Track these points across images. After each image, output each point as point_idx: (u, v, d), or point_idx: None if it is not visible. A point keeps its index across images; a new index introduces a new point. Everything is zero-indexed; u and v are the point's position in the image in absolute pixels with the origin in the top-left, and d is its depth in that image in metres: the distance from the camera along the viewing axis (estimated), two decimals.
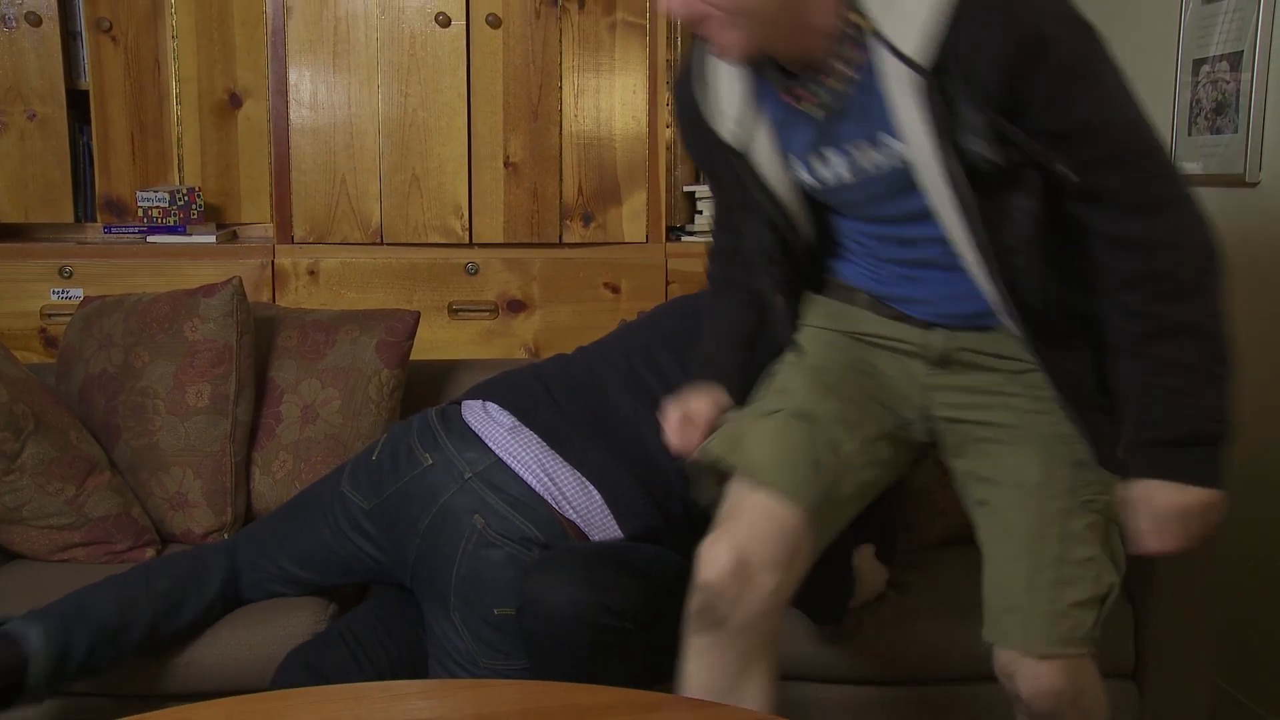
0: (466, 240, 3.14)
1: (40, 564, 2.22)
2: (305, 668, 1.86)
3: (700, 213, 3.28)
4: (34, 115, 3.19)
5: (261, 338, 2.45)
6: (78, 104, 3.23)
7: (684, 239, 3.27)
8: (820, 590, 2.00)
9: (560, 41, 3.11)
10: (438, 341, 3.10)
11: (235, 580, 2.04)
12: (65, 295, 3.06)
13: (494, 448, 1.86)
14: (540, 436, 1.88)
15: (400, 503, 1.88)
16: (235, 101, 3.26)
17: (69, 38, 3.21)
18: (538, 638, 1.67)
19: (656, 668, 1.80)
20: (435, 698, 1.46)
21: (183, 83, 3.23)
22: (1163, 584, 2.02)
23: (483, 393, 1.99)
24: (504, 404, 1.94)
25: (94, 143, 3.22)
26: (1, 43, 3.16)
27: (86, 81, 3.21)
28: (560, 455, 1.87)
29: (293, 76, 3.07)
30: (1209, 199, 2.53)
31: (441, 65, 3.09)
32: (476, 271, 3.14)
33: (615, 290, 3.16)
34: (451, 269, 3.13)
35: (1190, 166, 2.58)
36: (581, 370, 2.01)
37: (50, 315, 3.05)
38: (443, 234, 3.13)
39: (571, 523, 1.83)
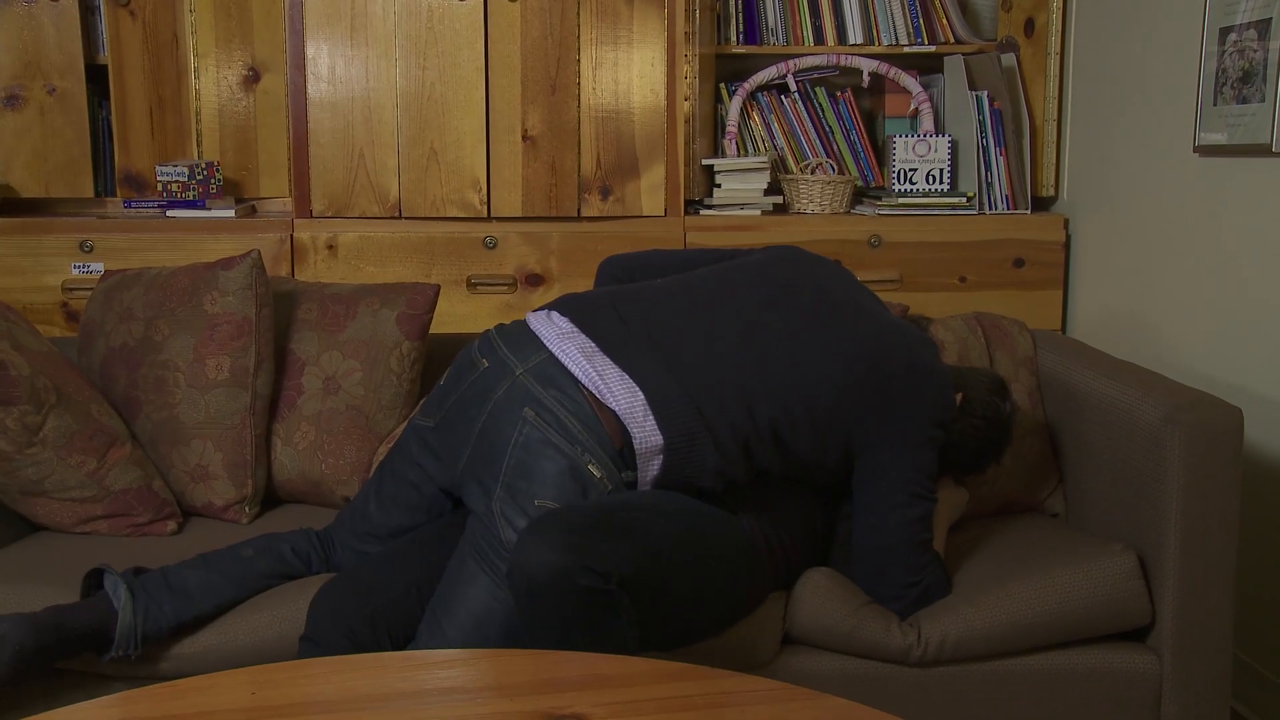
0: (485, 214, 3.13)
1: (63, 536, 2.23)
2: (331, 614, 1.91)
3: (719, 186, 3.27)
4: (54, 90, 3.19)
5: (281, 311, 2.45)
6: (97, 78, 3.23)
7: (702, 212, 3.26)
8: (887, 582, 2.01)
9: (578, 14, 3.08)
10: (456, 315, 3.10)
11: (327, 553, 2.11)
12: (86, 270, 3.06)
13: (547, 343, 1.92)
14: (594, 341, 1.93)
15: (459, 409, 1.95)
16: (253, 76, 3.25)
17: (87, 12, 3.20)
18: (523, 600, 1.68)
19: (665, 631, 1.80)
20: (456, 667, 1.46)
21: (201, 57, 3.22)
22: (1179, 554, 2.01)
23: (551, 306, 2.04)
24: (566, 313, 1.99)
25: (113, 117, 3.22)
26: (21, 17, 3.15)
27: (105, 56, 3.20)
28: (610, 358, 1.90)
29: (310, 50, 3.06)
30: (1234, 168, 2.52)
31: (459, 39, 3.07)
32: (495, 245, 3.13)
33: None
34: (470, 243, 3.12)
35: (1215, 137, 2.55)
36: (663, 308, 2.02)
37: (71, 289, 3.06)
38: (461, 208, 3.12)
39: (612, 413, 1.86)
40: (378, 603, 1.90)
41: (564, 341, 1.93)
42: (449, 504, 2.06)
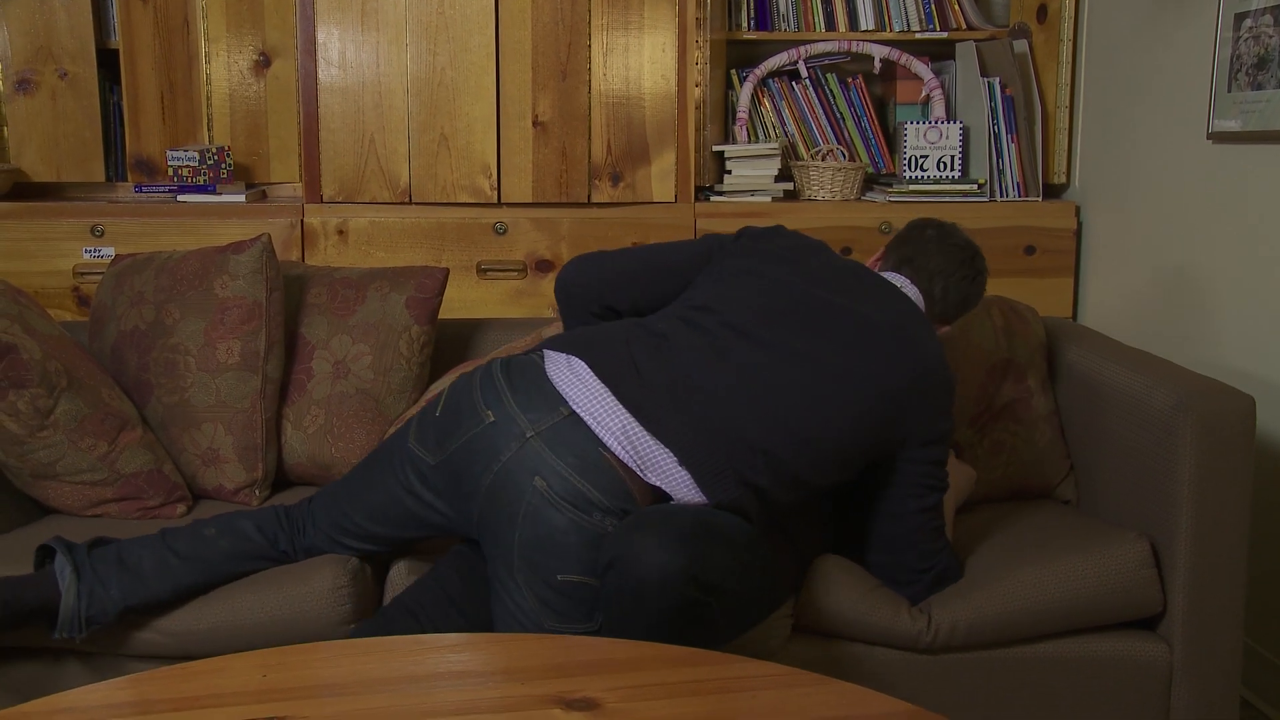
0: (495, 200, 3.13)
1: (75, 519, 2.24)
2: None
3: (729, 172, 3.26)
4: (65, 74, 3.18)
5: (291, 295, 2.45)
6: (108, 63, 3.23)
7: (713, 199, 3.25)
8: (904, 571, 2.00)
9: (589, 0, 3.07)
10: (466, 301, 3.10)
11: (293, 533, 2.05)
12: (97, 254, 3.06)
13: (571, 403, 1.79)
14: (623, 404, 1.80)
15: (463, 459, 1.83)
16: (264, 61, 3.24)
17: None
18: (620, 597, 1.64)
19: (729, 635, 1.79)
20: (465, 651, 1.46)
21: (211, 41, 3.22)
22: (1190, 543, 2.00)
23: (566, 346, 1.90)
24: (589, 362, 1.85)
25: (124, 102, 3.22)
26: (33, 2, 3.15)
27: (116, 41, 3.20)
28: (640, 423, 1.78)
29: (321, 36, 3.06)
30: (1248, 155, 2.50)
31: (470, 24, 3.06)
32: (505, 231, 3.12)
33: None
34: (480, 229, 3.12)
35: (1229, 124, 2.53)
36: (689, 353, 1.89)
37: (82, 274, 3.06)
38: (471, 193, 3.12)
39: (652, 487, 1.78)
40: (449, 588, 1.91)
41: (589, 398, 1.79)
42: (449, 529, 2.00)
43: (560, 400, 1.79)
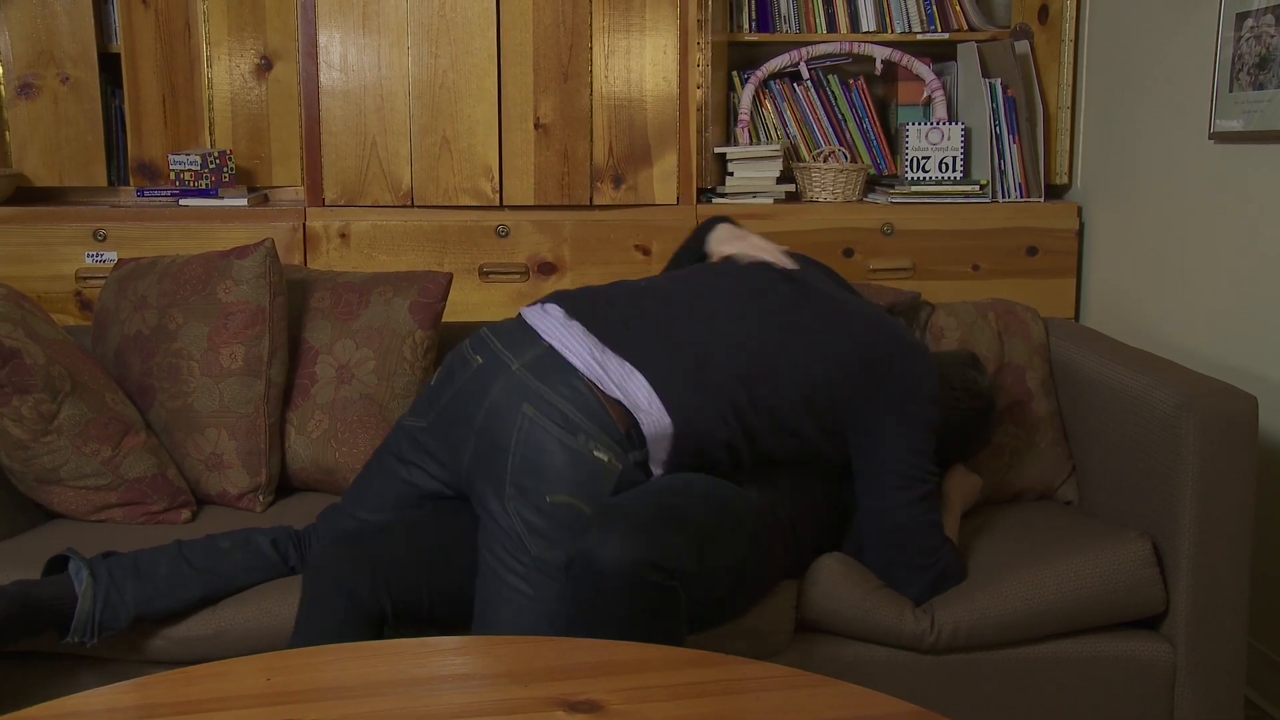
0: (497, 202, 3.13)
1: (79, 524, 2.25)
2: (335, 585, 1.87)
3: (731, 174, 3.26)
4: (67, 78, 3.19)
5: (294, 300, 2.45)
6: (110, 67, 3.24)
7: (715, 200, 3.25)
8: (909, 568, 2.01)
9: (590, 2, 3.08)
10: (469, 303, 3.10)
11: (303, 552, 2.08)
12: (99, 258, 3.07)
13: (544, 335, 1.91)
14: (593, 332, 1.92)
15: (455, 407, 1.93)
16: (266, 64, 3.25)
17: (100, 1, 3.21)
18: (585, 593, 1.67)
19: (703, 614, 1.81)
20: (470, 654, 1.47)
21: (213, 45, 3.22)
22: (1193, 542, 2.00)
23: (544, 299, 2.03)
24: (561, 304, 1.98)
25: (126, 106, 3.23)
26: (34, 6, 3.16)
27: (118, 45, 3.21)
28: (610, 348, 1.90)
29: (323, 39, 3.06)
30: (1250, 155, 2.50)
31: (471, 26, 3.07)
32: (507, 234, 3.13)
33: (646, 252, 3.15)
34: (482, 231, 3.12)
35: (1231, 124, 2.54)
36: (658, 297, 2.03)
37: (85, 278, 3.07)
38: (473, 196, 3.12)
39: (617, 403, 1.85)
40: (380, 566, 1.86)
41: (562, 332, 1.92)
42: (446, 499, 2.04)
43: (539, 337, 1.91)
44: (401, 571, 1.88)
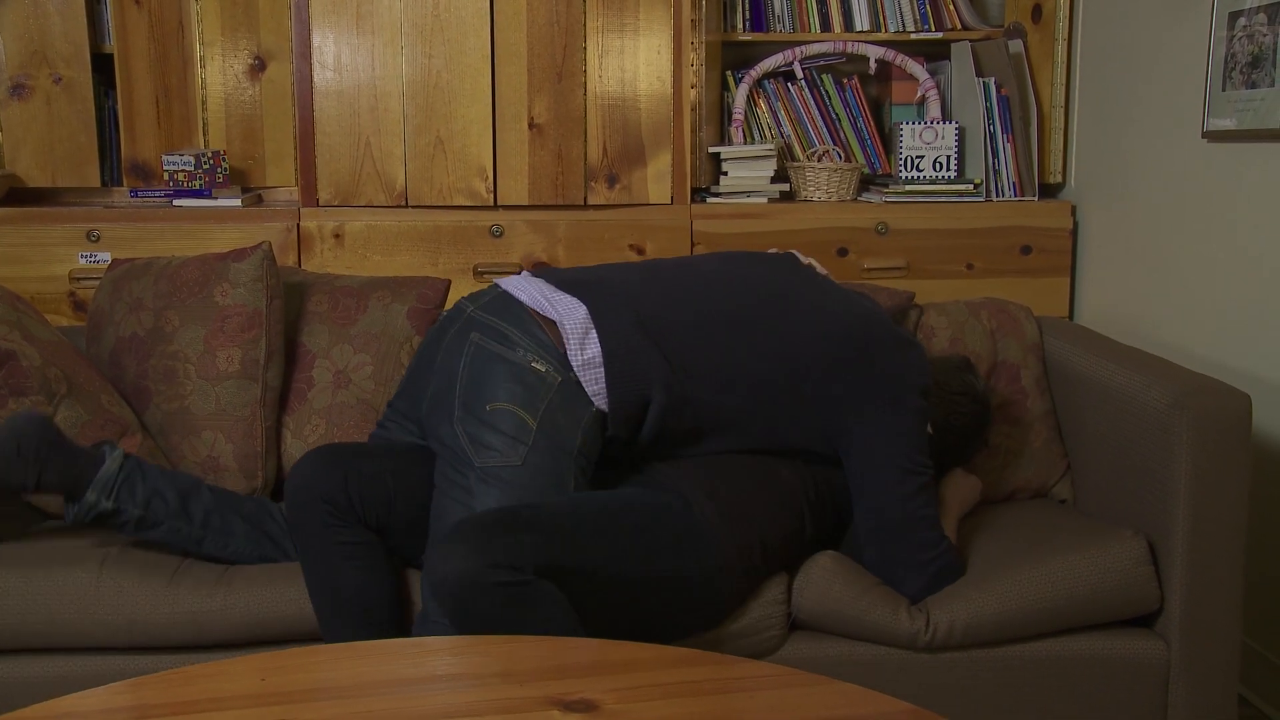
0: (491, 202, 3.13)
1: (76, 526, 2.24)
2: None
3: (725, 174, 3.26)
4: (59, 79, 3.19)
5: (291, 303, 2.45)
6: (103, 68, 3.24)
7: (709, 200, 3.26)
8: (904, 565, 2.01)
9: (584, 1, 3.08)
10: None
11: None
12: (93, 259, 3.07)
13: (501, 284, 2.05)
14: (550, 282, 2.03)
15: (420, 359, 2.08)
16: (259, 64, 3.25)
17: (93, 1, 3.21)
18: (454, 612, 1.71)
19: (615, 620, 1.81)
20: (465, 653, 1.47)
21: (206, 45, 3.22)
22: (1187, 541, 2.01)
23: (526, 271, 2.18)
24: (535, 273, 2.09)
25: (119, 106, 3.23)
26: (27, 6, 3.16)
27: (111, 45, 3.21)
28: (563, 290, 2.01)
29: (316, 39, 3.06)
30: (1243, 154, 2.51)
31: (465, 26, 3.07)
32: (501, 234, 3.13)
33: (640, 252, 3.15)
34: (476, 231, 3.13)
35: (1224, 122, 2.54)
36: (638, 272, 2.12)
37: (79, 279, 3.07)
38: (467, 196, 3.12)
39: (552, 323, 1.96)
40: (353, 477, 1.98)
41: (520, 281, 2.04)
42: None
43: (497, 287, 2.06)
44: (371, 483, 1.99)
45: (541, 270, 2.11)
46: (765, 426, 2.05)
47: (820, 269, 2.26)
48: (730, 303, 2.06)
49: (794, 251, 2.29)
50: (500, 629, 1.67)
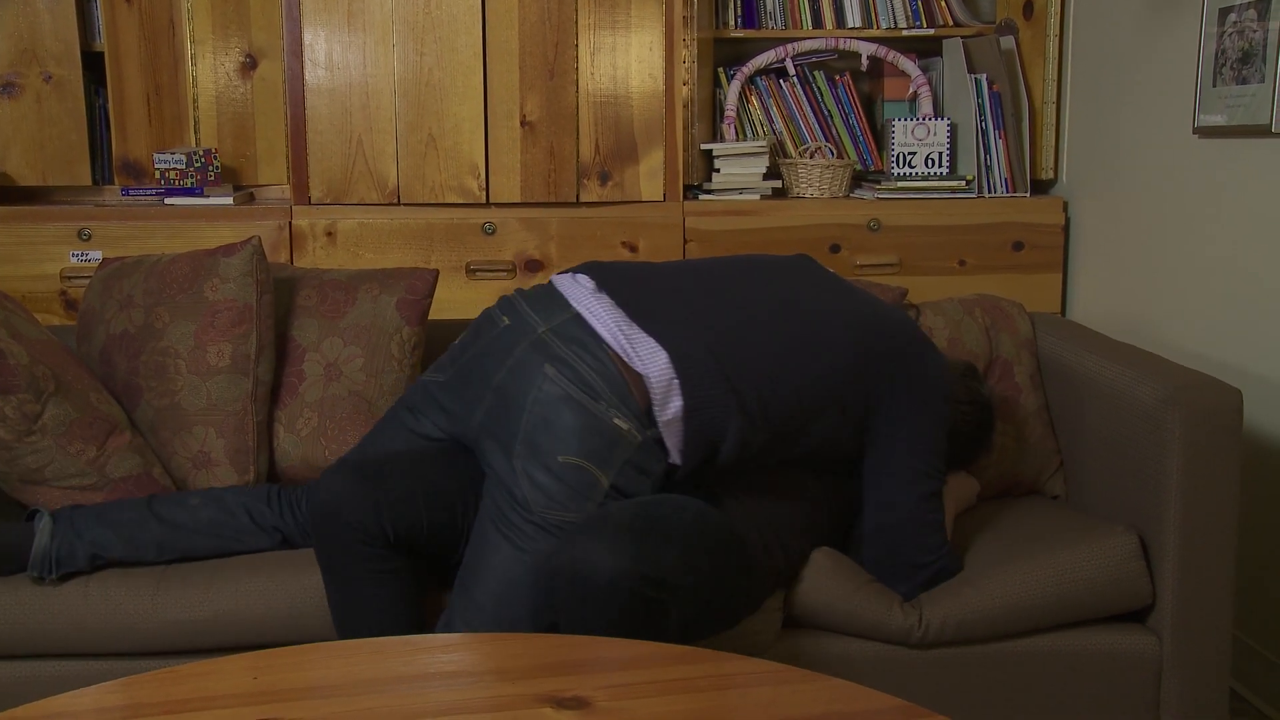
0: (483, 200, 3.13)
1: None
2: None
3: (718, 171, 3.26)
4: (50, 77, 3.18)
5: (280, 298, 2.45)
6: (93, 66, 3.23)
7: (701, 197, 3.25)
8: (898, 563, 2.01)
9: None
10: (456, 301, 3.10)
11: (287, 509, 2.14)
12: (84, 258, 3.06)
13: (574, 303, 1.92)
14: (621, 305, 1.92)
15: (475, 364, 1.95)
16: (251, 62, 3.24)
17: None
18: (569, 601, 1.66)
19: (689, 635, 1.79)
20: (458, 651, 1.46)
21: (197, 43, 3.21)
22: (1179, 536, 2.01)
23: (575, 269, 2.05)
24: (593, 276, 1.99)
25: (110, 105, 3.21)
26: (17, 4, 3.15)
27: (101, 43, 3.19)
28: (638, 323, 1.90)
29: (308, 37, 3.06)
30: (1233, 150, 2.51)
31: (457, 24, 3.07)
32: (494, 231, 3.12)
33: (633, 249, 3.15)
34: (469, 229, 3.12)
35: (1215, 118, 2.55)
36: (689, 277, 2.04)
37: (70, 278, 3.06)
38: (459, 194, 3.12)
39: (639, 379, 1.84)
40: (384, 503, 1.88)
41: (591, 301, 1.92)
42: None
43: (568, 304, 1.93)
44: (402, 505, 1.89)
45: (598, 272, 2.00)
46: (810, 449, 2.02)
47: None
48: (791, 325, 1.97)
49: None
50: (604, 632, 1.63)
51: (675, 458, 1.88)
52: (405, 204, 3.12)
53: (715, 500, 1.95)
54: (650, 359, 1.86)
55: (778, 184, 3.30)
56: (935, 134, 3.28)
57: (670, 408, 1.85)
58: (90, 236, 3.06)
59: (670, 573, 1.67)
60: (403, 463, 1.96)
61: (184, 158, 3.12)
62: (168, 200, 3.15)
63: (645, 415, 1.84)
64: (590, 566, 1.64)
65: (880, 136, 3.44)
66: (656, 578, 1.65)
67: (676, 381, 1.85)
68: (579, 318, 1.90)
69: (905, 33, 3.36)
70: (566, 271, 2.04)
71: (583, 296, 1.93)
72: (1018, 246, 3.21)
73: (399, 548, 1.90)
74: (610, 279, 1.98)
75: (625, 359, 1.85)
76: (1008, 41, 3.30)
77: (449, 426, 2.00)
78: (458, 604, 1.85)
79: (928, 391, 2.00)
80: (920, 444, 1.99)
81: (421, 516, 1.90)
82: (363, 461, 1.95)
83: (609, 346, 1.86)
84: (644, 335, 1.88)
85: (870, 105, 3.51)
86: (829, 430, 1.98)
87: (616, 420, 1.82)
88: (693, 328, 1.91)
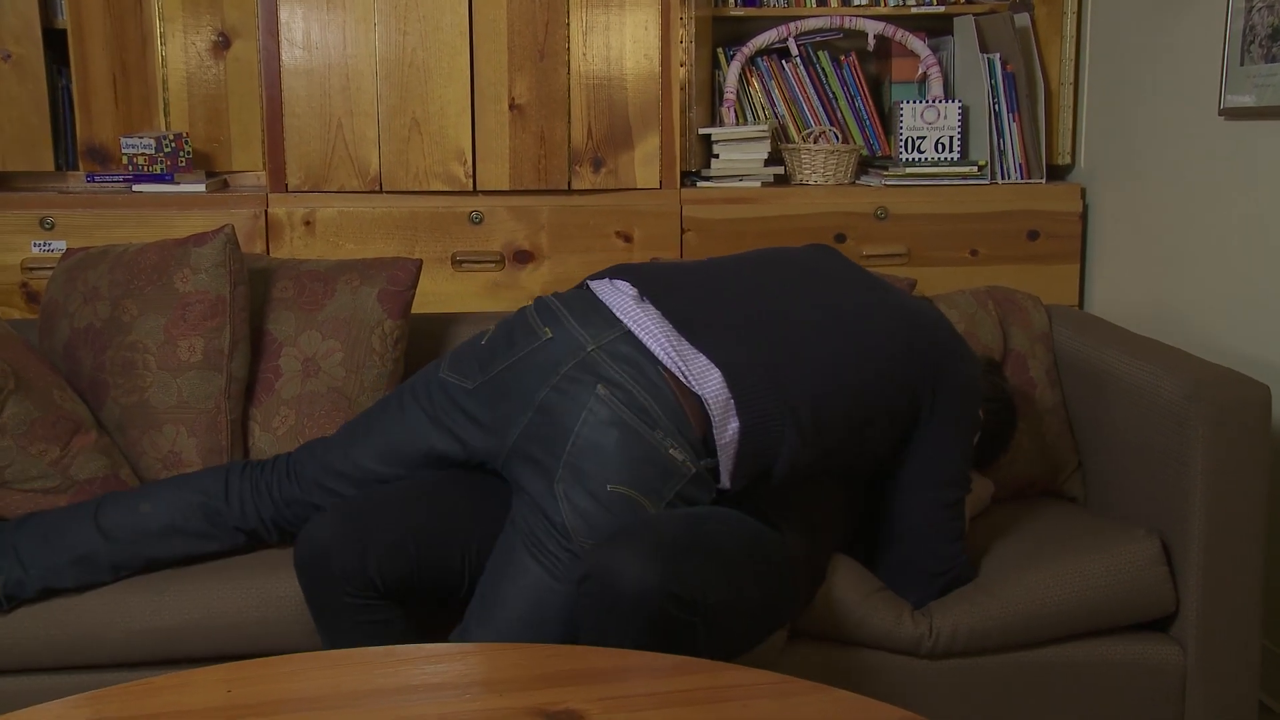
0: (470, 188, 3.12)
1: None
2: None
3: (717, 156, 3.26)
4: (9, 56, 3.16)
5: (255, 290, 2.44)
6: (55, 44, 3.21)
7: (700, 185, 3.25)
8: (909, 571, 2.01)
9: None
10: (441, 294, 3.09)
11: (260, 498, 2.09)
12: (47, 248, 3.05)
13: (621, 316, 1.88)
14: (669, 317, 1.89)
15: (513, 377, 1.89)
16: (224, 42, 3.23)
17: None
18: (597, 612, 1.65)
19: (716, 655, 1.78)
20: (443, 661, 1.46)
21: (167, 21, 3.20)
22: (1204, 540, 2.01)
23: (609, 273, 2.00)
24: (632, 282, 1.95)
25: (74, 86, 3.20)
26: None
27: (64, 20, 3.18)
28: (687, 338, 1.86)
29: (284, 14, 3.04)
30: (1263, 132, 2.51)
31: (442, 2, 3.06)
32: (481, 221, 3.12)
33: (628, 239, 3.14)
34: (455, 218, 3.11)
35: (1242, 99, 2.54)
36: (731, 282, 2.01)
37: (31, 269, 3.05)
38: (445, 181, 3.11)
39: (696, 399, 1.81)
40: (373, 550, 1.84)
41: (638, 313, 1.88)
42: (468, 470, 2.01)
43: (615, 318, 1.88)
44: (393, 552, 1.85)
45: (634, 276, 1.96)
46: (854, 461, 2.00)
47: None
48: (837, 331, 1.94)
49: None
50: (629, 645, 1.61)
51: (725, 482, 1.87)
52: (388, 192, 3.11)
53: (762, 513, 1.93)
54: (704, 378, 1.83)
55: (780, 170, 3.30)
56: (946, 117, 3.27)
57: (729, 430, 1.82)
58: (53, 225, 3.05)
59: (704, 594, 1.65)
60: (394, 507, 1.91)
61: (153, 142, 3.11)
62: (136, 187, 3.14)
63: (701, 444, 1.82)
64: (618, 577, 1.62)
65: (888, 120, 3.44)
66: (687, 598, 1.63)
67: (733, 401, 1.82)
68: (629, 334, 1.86)
69: (914, 10, 3.36)
70: (601, 276, 2.00)
71: (627, 307, 1.89)
72: (1033, 236, 3.21)
73: (390, 597, 1.87)
74: (651, 285, 1.94)
75: (682, 379, 1.82)
76: (1022, 19, 3.30)
77: (479, 441, 1.94)
78: (474, 623, 1.83)
79: (966, 395, 2.00)
80: (952, 449, 1.99)
81: (413, 564, 1.86)
82: (350, 505, 1.91)
83: (664, 366, 1.83)
84: (695, 351, 1.85)
85: (877, 87, 3.51)
86: (877, 443, 1.97)
87: (672, 450, 1.80)
88: (741, 339, 1.88)
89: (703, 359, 1.84)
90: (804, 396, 1.86)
